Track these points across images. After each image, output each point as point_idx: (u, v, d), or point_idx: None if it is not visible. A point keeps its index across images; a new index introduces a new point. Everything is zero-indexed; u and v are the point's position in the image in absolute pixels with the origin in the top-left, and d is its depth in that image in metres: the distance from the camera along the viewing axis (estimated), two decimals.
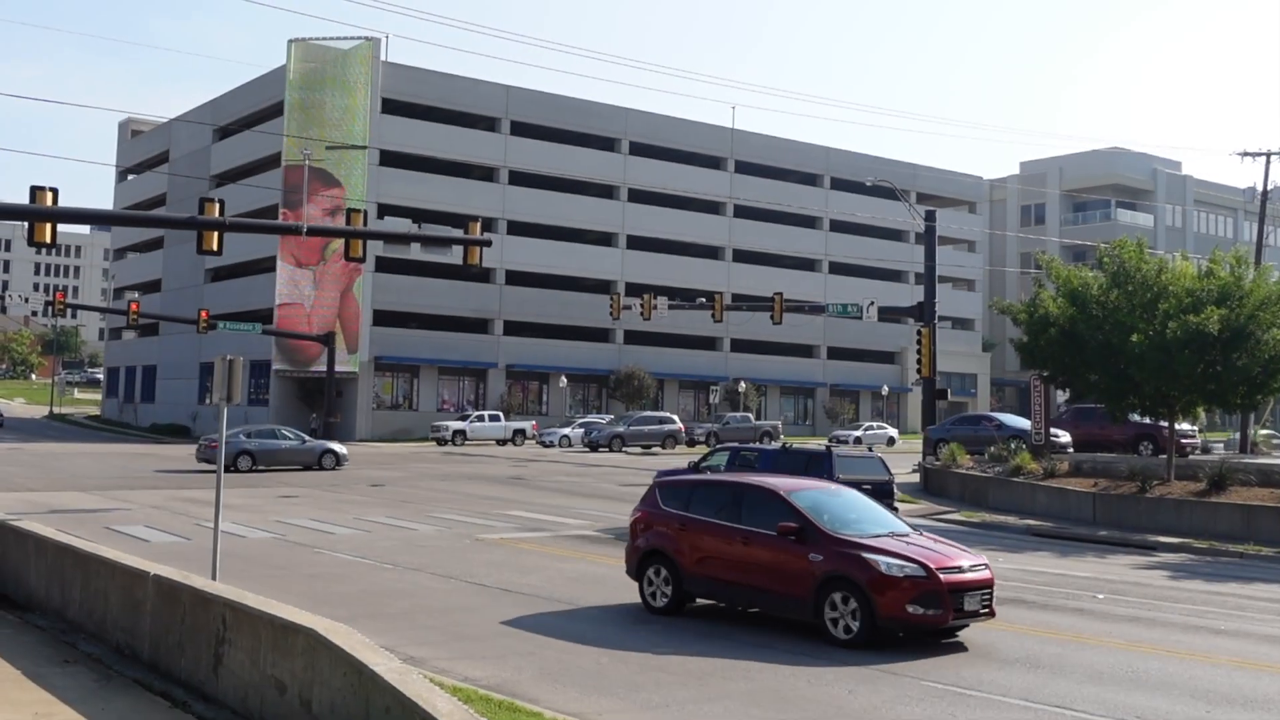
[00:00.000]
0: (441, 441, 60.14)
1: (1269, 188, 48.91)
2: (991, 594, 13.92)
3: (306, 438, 45.44)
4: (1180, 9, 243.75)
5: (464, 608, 15.74)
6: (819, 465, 23.76)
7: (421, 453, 54.85)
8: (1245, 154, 48.76)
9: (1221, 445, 46.15)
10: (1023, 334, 33.12)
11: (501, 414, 64.89)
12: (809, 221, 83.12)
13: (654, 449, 57.77)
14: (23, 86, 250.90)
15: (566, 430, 61.94)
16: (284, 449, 42.36)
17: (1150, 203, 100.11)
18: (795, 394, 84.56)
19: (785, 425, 70.82)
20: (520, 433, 62.57)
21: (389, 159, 67.07)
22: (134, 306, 65.21)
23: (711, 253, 79.06)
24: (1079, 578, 20.47)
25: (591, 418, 65.69)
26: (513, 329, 71.40)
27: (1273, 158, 47.90)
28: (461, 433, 60.78)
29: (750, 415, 68.38)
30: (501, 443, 61.47)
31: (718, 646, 13.45)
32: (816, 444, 36.57)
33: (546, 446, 59.96)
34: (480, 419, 62.63)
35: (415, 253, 64.63)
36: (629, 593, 16.84)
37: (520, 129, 72.03)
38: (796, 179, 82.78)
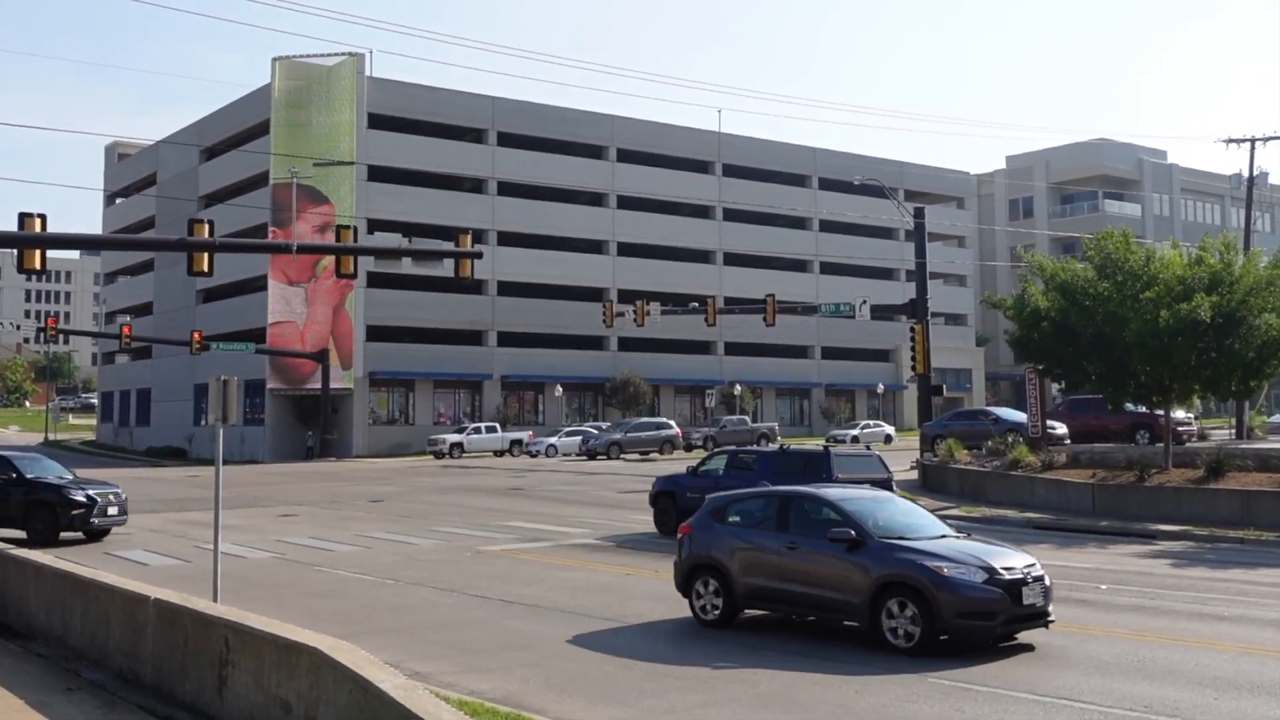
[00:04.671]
0: (439, 455, 60.06)
1: (1254, 173, 49.08)
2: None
3: None
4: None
5: (467, 621, 15.71)
6: (817, 465, 23.77)
7: (419, 467, 54.77)
8: (1230, 141, 48.90)
9: (1227, 431, 46.06)
10: (1016, 329, 33.17)
11: (498, 425, 64.81)
12: (798, 222, 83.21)
13: (652, 455, 57.71)
14: (16, 114, 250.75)
15: (554, 440, 61.78)
16: None
17: (1137, 192, 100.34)
18: (791, 395, 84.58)
19: (781, 426, 70.79)
20: (517, 443, 62.48)
21: (377, 174, 67.03)
22: (126, 330, 65.19)
23: (702, 257, 79.10)
24: (1081, 569, 20.46)
25: (588, 426, 65.61)
26: (507, 340, 71.37)
27: (1257, 144, 48.08)
28: (459, 445, 60.69)
29: (747, 418, 68.32)
30: (499, 454, 61.40)
31: (726, 650, 13.43)
32: (814, 444, 36.57)
33: (533, 456, 59.86)
34: (477, 431, 62.58)
35: (407, 267, 64.85)
36: (633, 601, 16.83)
37: (507, 140, 72.07)
38: (784, 180, 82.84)
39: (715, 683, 12.02)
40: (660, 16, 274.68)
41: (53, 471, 25.77)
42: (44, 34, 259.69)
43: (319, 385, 64.64)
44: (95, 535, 24.94)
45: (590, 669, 12.67)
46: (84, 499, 24.31)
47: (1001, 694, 11.36)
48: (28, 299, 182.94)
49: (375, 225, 63.29)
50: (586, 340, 72.92)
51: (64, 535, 24.38)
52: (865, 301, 49.08)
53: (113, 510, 24.74)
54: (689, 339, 74.91)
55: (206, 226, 28.55)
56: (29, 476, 24.77)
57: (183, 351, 67.32)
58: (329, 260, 53.17)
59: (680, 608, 16.01)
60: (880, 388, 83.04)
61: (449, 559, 22.01)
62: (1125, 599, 17.12)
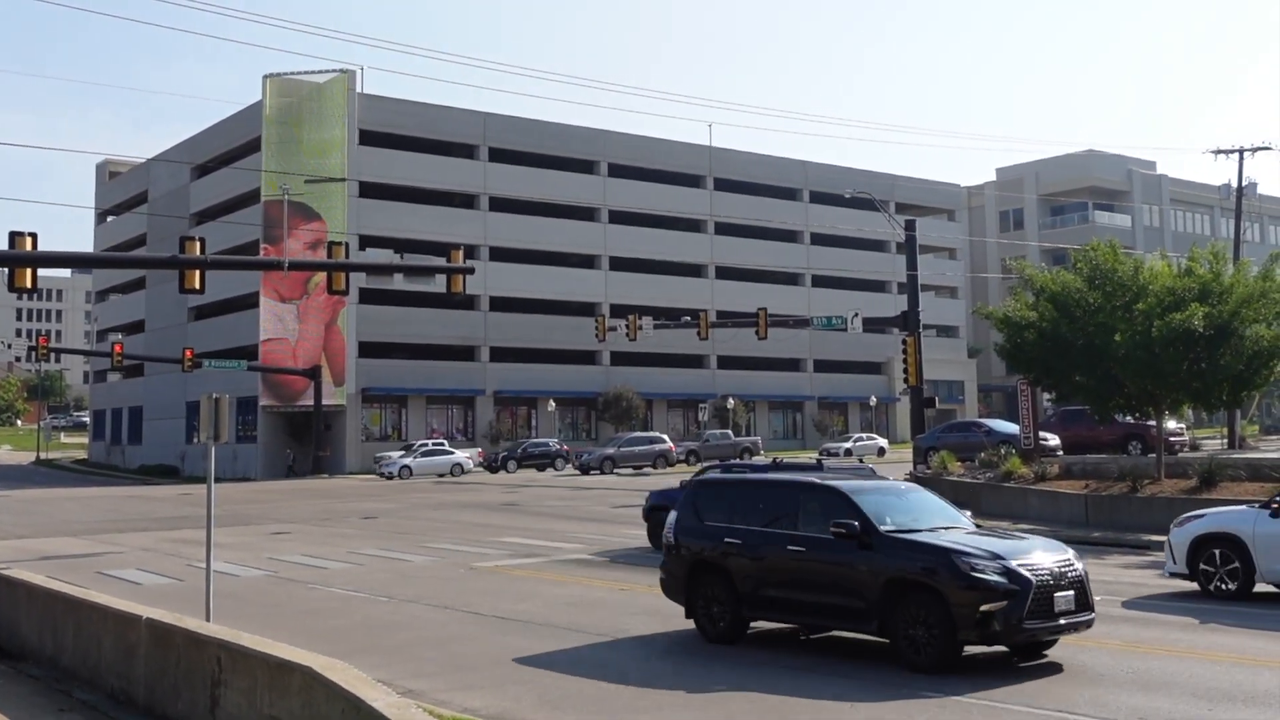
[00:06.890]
0: (389, 476, 57.33)
1: (1243, 184, 49.29)
2: None
3: None
4: (1150, 11, 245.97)
5: (461, 637, 15.67)
6: None
7: (412, 483, 54.64)
8: (1219, 151, 49.16)
9: (1220, 441, 46.14)
10: (1003, 340, 33.21)
11: (445, 441, 64.28)
12: (790, 236, 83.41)
13: (645, 469, 57.66)
14: (7, 133, 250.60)
15: (408, 460, 58.15)
16: None
17: (1127, 203, 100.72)
18: (784, 408, 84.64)
19: (775, 440, 70.88)
20: (459, 466, 59.85)
21: (368, 190, 67.08)
22: (118, 348, 65.00)
23: (694, 271, 79.22)
24: None
25: (585, 440, 65.42)
26: (499, 355, 71.35)
27: (1246, 154, 48.32)
28: (408, 467, 58.04)
29: (730, 432, 68.17)
30: (441, 476, 58.42)
31: (723, 666, 13.41)
32: (807, 458, 36.55)
33: (388, 479, 56.51)
34: (424, 449, 60.58)
35: (398, 283, 64.65)
36: (627, 616, 16.81)
37: (499, 155, 72.19)
38: (776, 194, 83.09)
39: (710, 700, 11.99)
40: (650, 32, 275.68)
41: (932, 515, 13.65)
42: (35, 53, 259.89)
43: (311, 402, 64.57)
44: (1030, 650, 13.03)
45: (584, 686, 12.64)
46: (1000, 580, 12.12)
47: (996, 707, 11.35)
48: (19, 317, 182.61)
49: (367, 241, 63.29)
50: (579, 355, 72.95)
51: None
52: (857, 314, 49.19)
53: (1065, 601, 12.46)
54: (682, 353, 74.97)
55: (198, 244, 28.55)
56: (885, 529, 12.89)
57: (174, 369, 67.26)
58: (321, 277, 53.18)
59: (676, 624, 15.99)
60: (873, 400, 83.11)
61: (442, 575, 21.95)
62: (1118, 610, 17.12)
